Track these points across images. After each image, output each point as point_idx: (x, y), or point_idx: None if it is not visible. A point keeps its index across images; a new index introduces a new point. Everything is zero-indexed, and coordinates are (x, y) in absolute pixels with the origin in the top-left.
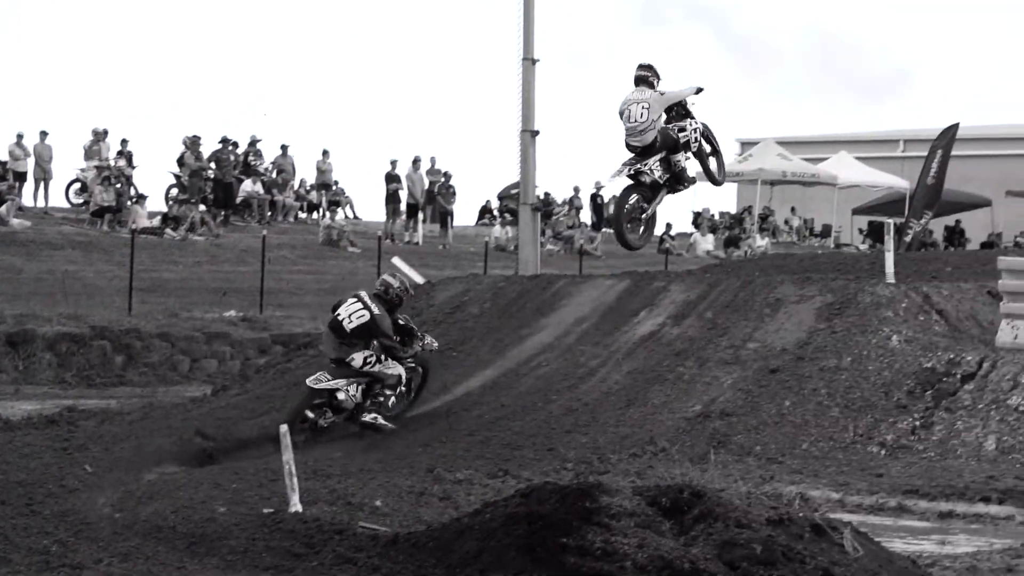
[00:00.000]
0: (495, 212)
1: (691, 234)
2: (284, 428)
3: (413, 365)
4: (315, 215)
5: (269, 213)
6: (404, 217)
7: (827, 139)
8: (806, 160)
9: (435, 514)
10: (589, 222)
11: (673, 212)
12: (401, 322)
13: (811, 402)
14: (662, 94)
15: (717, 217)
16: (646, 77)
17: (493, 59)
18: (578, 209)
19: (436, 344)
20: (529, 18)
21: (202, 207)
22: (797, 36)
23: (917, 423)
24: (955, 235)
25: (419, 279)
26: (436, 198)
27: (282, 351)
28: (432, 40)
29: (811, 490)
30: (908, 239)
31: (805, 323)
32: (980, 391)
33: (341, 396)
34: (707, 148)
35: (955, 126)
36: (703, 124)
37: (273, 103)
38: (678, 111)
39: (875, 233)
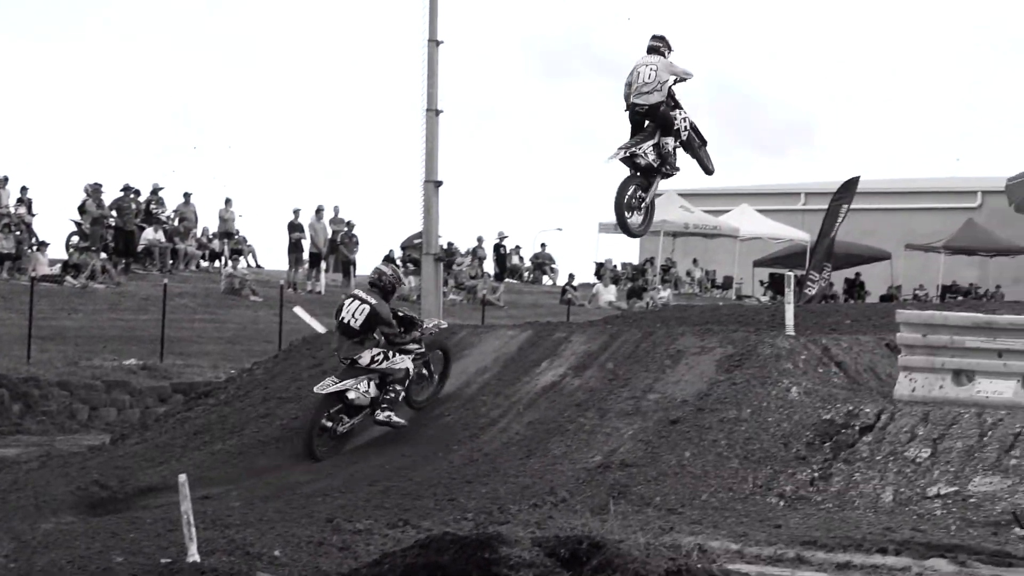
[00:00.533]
0: (398, 262)
1: (593, 285)
2: (183, 478)
3: (423, 351)
4: (217, 264)
5: (171, 261)
6: (307, 266)
7: (729, 192)
8: (708, 212)
9: (334, 564)
10: (492, 272)
11: (575, 263)
12: (400, 314)
13: (711, 453)
14: (671, 63)
15: (619, 268)
16: (658, 47)
17: (397, 109)
18: (481, 259)
19: (445, 323)
20: (433, 69)
21: (103, 255)
22: (700, 89)
23: (816, 474)
24: (855, 288)
25: (320, 328)
26: (339, 247)
27: (182, 400)
28: (336, 89)
29: (710, 541)
30: (812, 292)
31: (705, 374)
32: (878, 443)
33: (352, 395)
34: (696, 141)
35: (856, 179)
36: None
37: (176, 151)
38: (669, 102)
39: (776, 285)
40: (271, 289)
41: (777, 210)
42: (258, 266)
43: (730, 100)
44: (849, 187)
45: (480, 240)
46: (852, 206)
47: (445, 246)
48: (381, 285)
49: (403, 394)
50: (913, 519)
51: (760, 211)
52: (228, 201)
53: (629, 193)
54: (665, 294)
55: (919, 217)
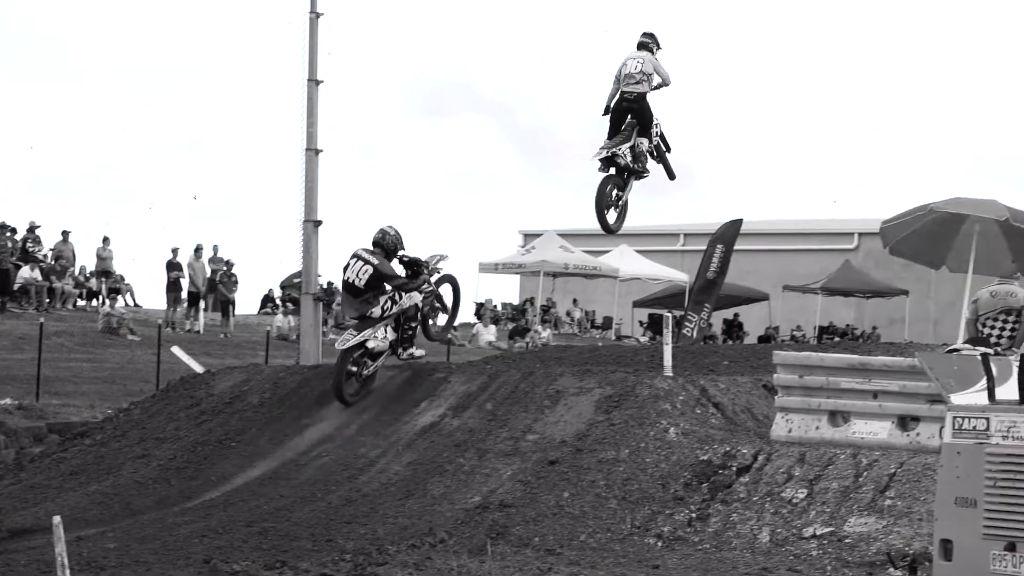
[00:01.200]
0: (277, 301)
1: (474, 325)
2: (57, 519)
3: (432, 289)
4: (95, 302)
5: (47, 300)
6: (185, 305)
7: None
8: (588, 252)
9: None
10: None
11: None
12: (406, 259)
13: (589, 494)
14: (657, 60)
15: (499, 308)
16: (647, 43)
17: (277, 148)
18: None
19: (448, 256)
20: (312, 108)
21: None
22: (581, 129)
23: (693, 515)
24: (733, 328)
25: (198, 368)
26: (218, 286)
27: (58, 440)
28: (215, 128)
29: None
30: (694, 333)
31: (584, 415)
32: (755, 484)
33: (372, 344)
34: (663, 147)
35: (738, 222)
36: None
37: (53, 189)
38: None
39: (655, 326)
40: (149, 328)
41: (657, 251)
42: (136, 305)
43: None
44: (729, 229)
45: None
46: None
47: (325, 285)
48: (384, 244)
49: (417, 328)
50: (790, 559)
51: (640, 252)
52: (106, 239)
53: (607, 192)
54: (545, 334)
55: (797, 258)
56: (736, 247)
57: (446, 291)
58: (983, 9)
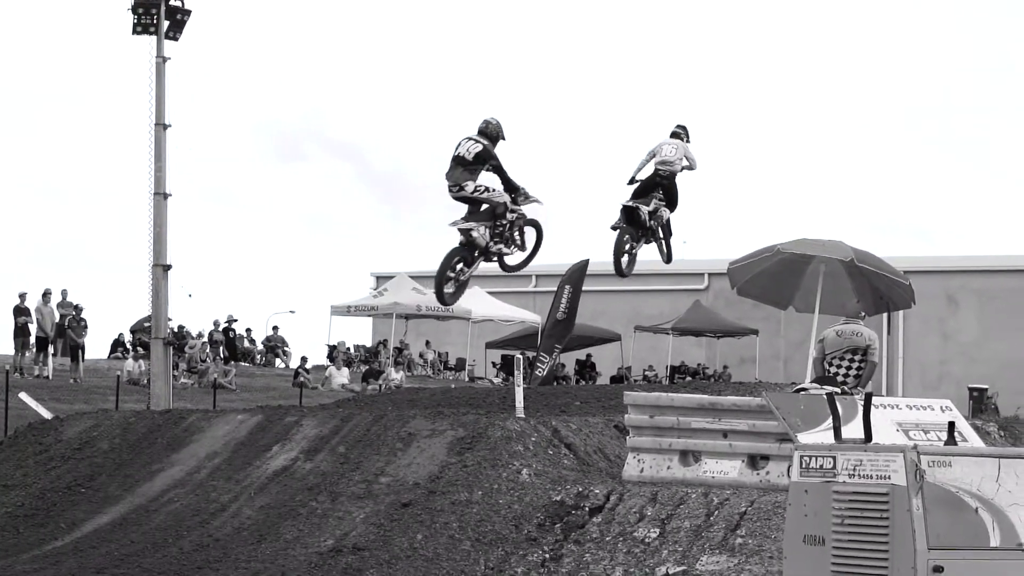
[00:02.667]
0: (128, 345)
1: (327, 367)
2: None
3: (521, 214)
4: None
5: None
6: (34, 350)
7: None
8: None
9: None
10: (223, 355)
11: (308, 345)
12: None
13: (443, 536)
14: (687, 148)
15: (352, 350)
16: (679, 133)
17: (126, 192)
18: (218, 343)
19: (542, 203)
20: (161, 153)
21: None
22: (433, 172)
23: (547, 556)
24: (586, 369)
25: (47, 414)
26: (67, 331)
27: None
28: (63, 171)
29: None
30: (543, 373)
31: (437, 457)
32: (608, 523)
33: (475, 235)
34: (668, 229)
35: (585, 262)
36: None
37: None
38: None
39: (508, 366)
40: None
41: (509, 292)
42: None
43: None
44: (577, 270)
45: (217, 324)
46: (585, 288)
47: (176, 329)
48: (488, 132)
49: (507, 225)
50: None
51: (492, 293)
52: None
53: (623, 240)
54: (398, 376)
55: (648, 299)
56: (588, 288)
57: (530, 234)
58: (829, 53)
